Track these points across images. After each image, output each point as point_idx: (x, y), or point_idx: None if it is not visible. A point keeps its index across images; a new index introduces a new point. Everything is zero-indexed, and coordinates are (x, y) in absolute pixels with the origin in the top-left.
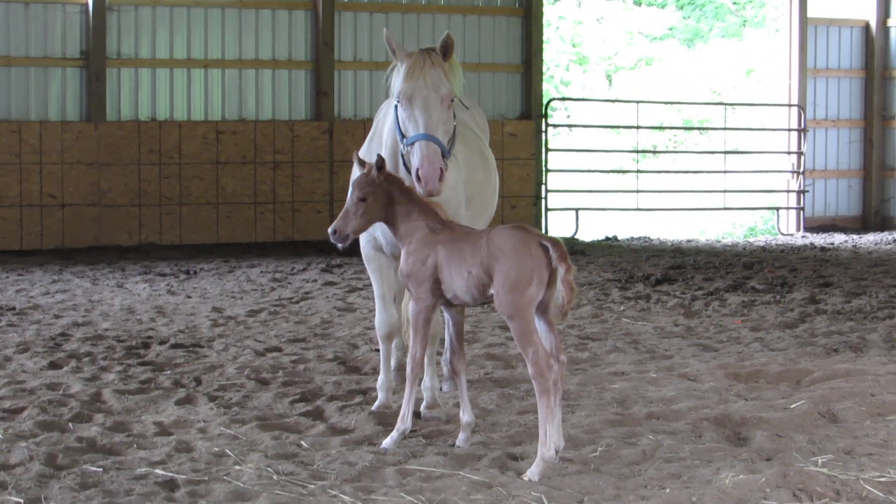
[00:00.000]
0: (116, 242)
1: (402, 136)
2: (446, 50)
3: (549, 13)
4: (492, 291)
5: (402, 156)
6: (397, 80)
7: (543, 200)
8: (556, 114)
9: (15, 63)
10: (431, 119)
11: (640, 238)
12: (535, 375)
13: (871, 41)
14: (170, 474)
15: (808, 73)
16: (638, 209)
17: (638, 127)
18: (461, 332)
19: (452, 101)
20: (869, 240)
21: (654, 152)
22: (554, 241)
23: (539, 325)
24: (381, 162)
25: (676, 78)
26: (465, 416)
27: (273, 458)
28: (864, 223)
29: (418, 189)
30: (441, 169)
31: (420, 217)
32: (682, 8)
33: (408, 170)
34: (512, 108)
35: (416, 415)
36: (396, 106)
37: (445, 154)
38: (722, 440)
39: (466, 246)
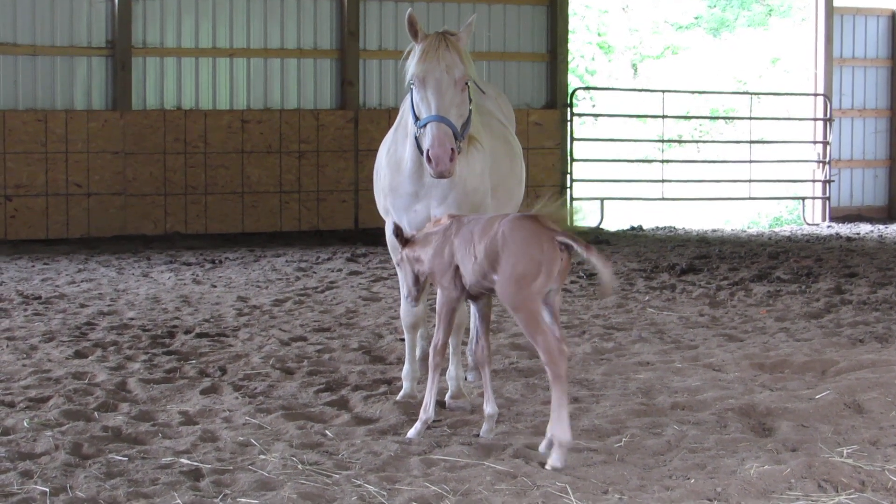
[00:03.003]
0: (142, 232)
1: (416, 118)
2: (461, 32)
3: (575, 2)
4: (495, 277)
5: (416, 138)
6: (412, 62)
7: (568, 190)
8: (582, 103)
9: (41, 52)
10: (444, 101)
11: (665, 228)
12: (548, 362)
13: None
14: (195, 463)
15: (834, 62)
16: (663, 199)
17: (664, 116)
18: (487, 322)
19: (467, 84)
20: (895, 230)
21: (680, 142)
22: (572, 236)
23: (543, 313)
24: (396, 230)
25: (702, 67)
26: (489, 407)
27: (298, 448)
28: (889, 213)
29: (429, 171)
30: (452, 150)
31: (435, 235)
32: None
33: (421, 152)
34: (537, 98)
35: (441, 404)
36: (411, 89)
37: (458, 136)
38: (747, 430)
39: (477, 229)
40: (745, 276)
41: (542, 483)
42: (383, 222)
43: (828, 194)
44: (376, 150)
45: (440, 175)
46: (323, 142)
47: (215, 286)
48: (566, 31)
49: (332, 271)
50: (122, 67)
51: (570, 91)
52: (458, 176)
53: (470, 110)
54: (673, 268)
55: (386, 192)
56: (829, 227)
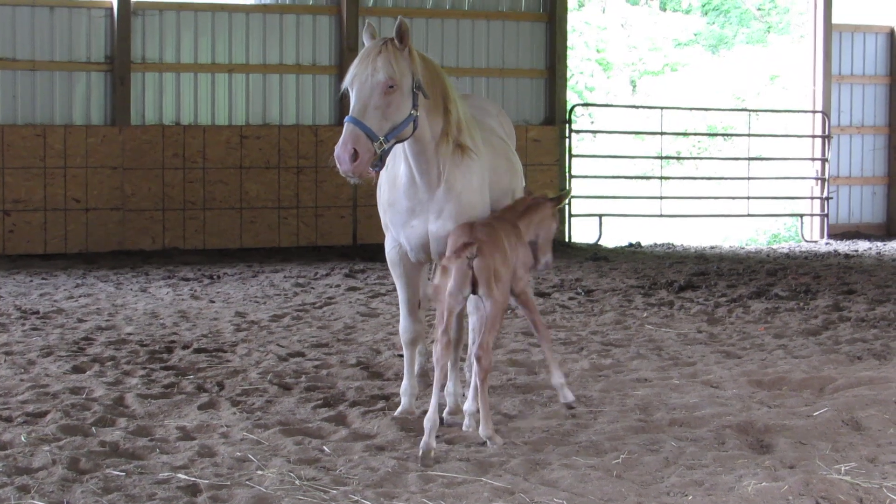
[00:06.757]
0: (140, 247)
1: None
2: (402, 37)
3: (574, 19)
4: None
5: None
6: None
7: (567, 206)
8: (580, 119)
9: (40, 67)
10: (359, 103)
11: (663, 244)
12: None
13: (895, 47)
14: (192, 479)
15: (832, 79)
16: (661, 215)
17: (662, 133)
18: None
19: (392, 87)
20: (893, 247)
21: (678, 158)
22: (460, 234)
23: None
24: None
25: (701, 84)
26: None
27: (295, 464)
28: (888, 230)
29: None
30: (355, 150)
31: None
32: (706, 14)
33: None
34: (536, 114)
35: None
36: None
37: (373, 138)
38: (745, 447)
39: (504, 228)
40: (743, 292)
41: (539, 499)
42: (382, 238)
43: (826, 211)
44: None
45: (345, 174)
46: (321, 157)
47: (213, 301)
48: (565, 48)
49: (331, 287)
50: (120, 82)
51: (568, 107)
52: (454, 190)
53: (412, 115)
54: (671, 284)
55: (385, 208)
56: (827, 244)
